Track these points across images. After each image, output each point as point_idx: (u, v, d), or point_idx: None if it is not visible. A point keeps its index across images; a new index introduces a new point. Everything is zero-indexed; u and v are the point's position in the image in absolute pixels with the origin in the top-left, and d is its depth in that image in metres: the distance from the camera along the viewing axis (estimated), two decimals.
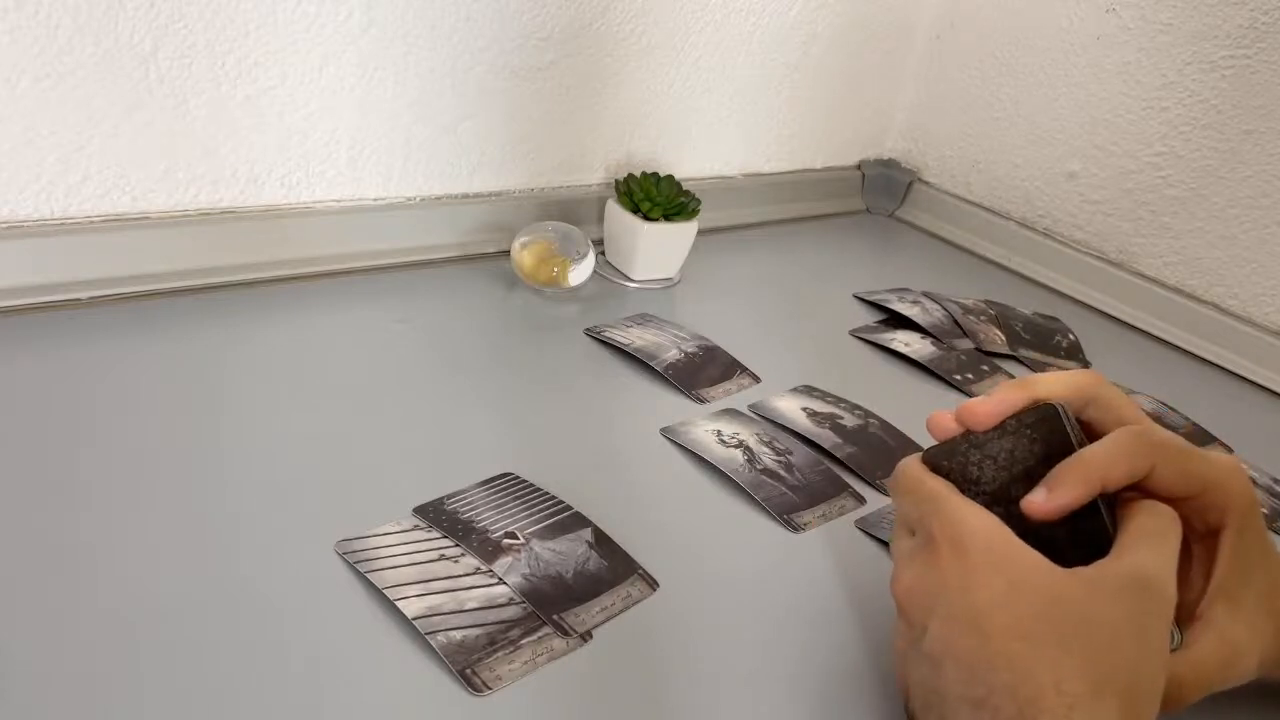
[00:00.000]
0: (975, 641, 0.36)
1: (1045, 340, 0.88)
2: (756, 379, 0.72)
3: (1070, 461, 0.41)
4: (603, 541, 0.51)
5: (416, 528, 0.49)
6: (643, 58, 0.89)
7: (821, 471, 0.61)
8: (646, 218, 0.82)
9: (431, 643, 0.43)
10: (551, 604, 0.46)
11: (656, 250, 0.84)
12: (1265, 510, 0.67)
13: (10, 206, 0.62)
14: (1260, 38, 0.87)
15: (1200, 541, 0.43)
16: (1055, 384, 0.43)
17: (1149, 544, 0.38)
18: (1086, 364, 0.86)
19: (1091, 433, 0.43)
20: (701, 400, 0.68)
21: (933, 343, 0.83)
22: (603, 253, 0.87)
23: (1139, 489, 0.42)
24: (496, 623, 0.44)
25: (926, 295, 0.91)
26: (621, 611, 0.47)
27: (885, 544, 0.56)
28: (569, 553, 0.50)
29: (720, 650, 0.46)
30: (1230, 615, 0.42)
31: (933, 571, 0.39)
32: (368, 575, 0.46)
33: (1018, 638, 0.35)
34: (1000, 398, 0.43)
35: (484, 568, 0.47)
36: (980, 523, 0.39)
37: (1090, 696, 0.34)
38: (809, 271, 0.98)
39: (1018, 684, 0.35)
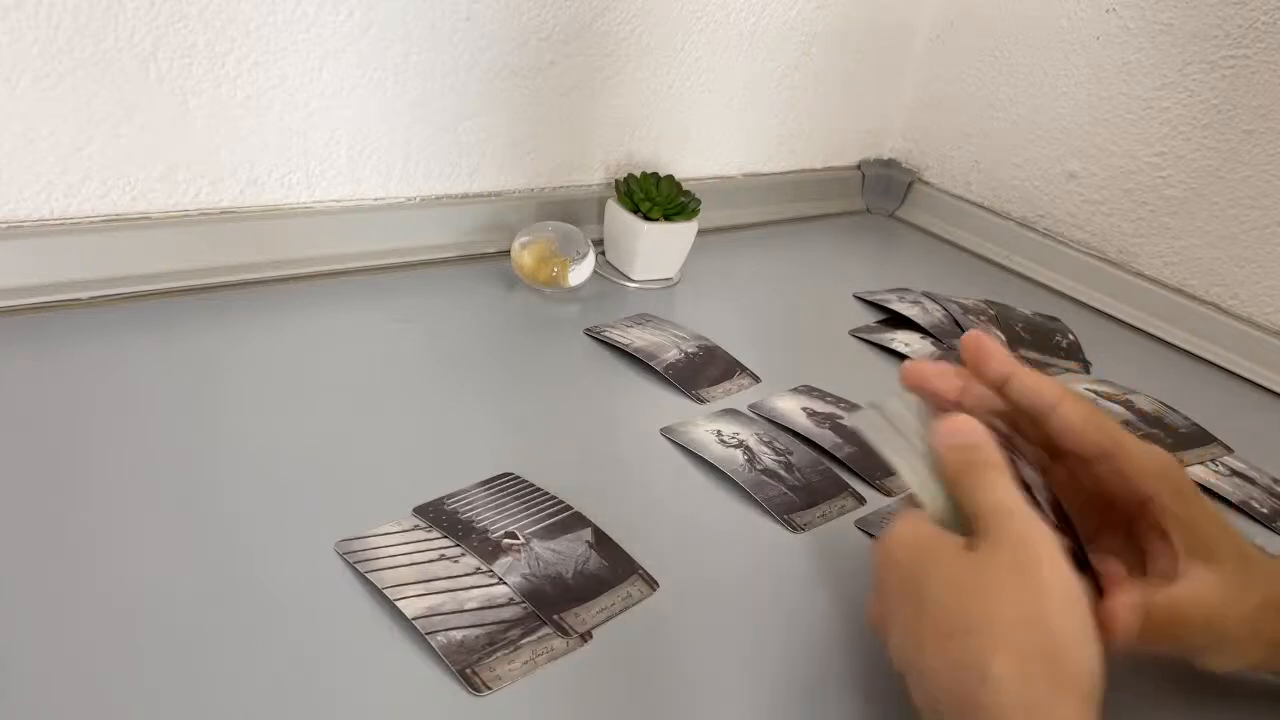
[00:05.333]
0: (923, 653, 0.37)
1: (1045, 340, 0.88)
2: (756, 379, 0.72)
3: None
4: (603, 541, 0.51)
5: (416, 528, 0.49)
6: (642, 58, 0.89)
7: (821, 471, 0.61)
8: (646, 218, 0.82)
9: (431, 643, 0.43)
10: (551, 604, 0.46)
11: (656, 250, 0.84)
12: (1265, 510, 0.67)
13: (10, 206, 0.62)
14: (1260, 38, 0.87)
15: (1138, 514, 0.43)
16: (1030, 373, 0.44)
17: (998, 517, 0.38)
18: (1087, 364, 0.86)
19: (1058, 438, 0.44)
20: (701, 400, 0.68)
21: (933, 343, 0.83)
22: (603, 253, 0.87)
23: (1050, 432, 0.44)
24: (496, 623, 0.44)
25: (926, 295, 0.91)
26: (621, 611, 0.47)
27: None
28: (569, 553, 0.50)
29: (720, 650, 0.46)
30: (1209, 573, 0.42)
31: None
32: (368, 575, 0.46)
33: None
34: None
35: (484, 568, 0.47)
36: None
37: (1020, 678, 0.33)
38: (809, 271, 0.98)
39: (954, 687, 0.35)
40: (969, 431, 0.41)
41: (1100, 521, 0.45)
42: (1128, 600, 0.40)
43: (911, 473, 0.43)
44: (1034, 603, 0.34)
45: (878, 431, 0.45)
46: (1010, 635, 0.33)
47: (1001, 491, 0.39)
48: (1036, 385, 0.43)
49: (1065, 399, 0.43)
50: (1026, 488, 0.41)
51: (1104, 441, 0.43)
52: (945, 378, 0.45)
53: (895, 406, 0.45)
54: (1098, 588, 0.42)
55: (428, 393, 0.63)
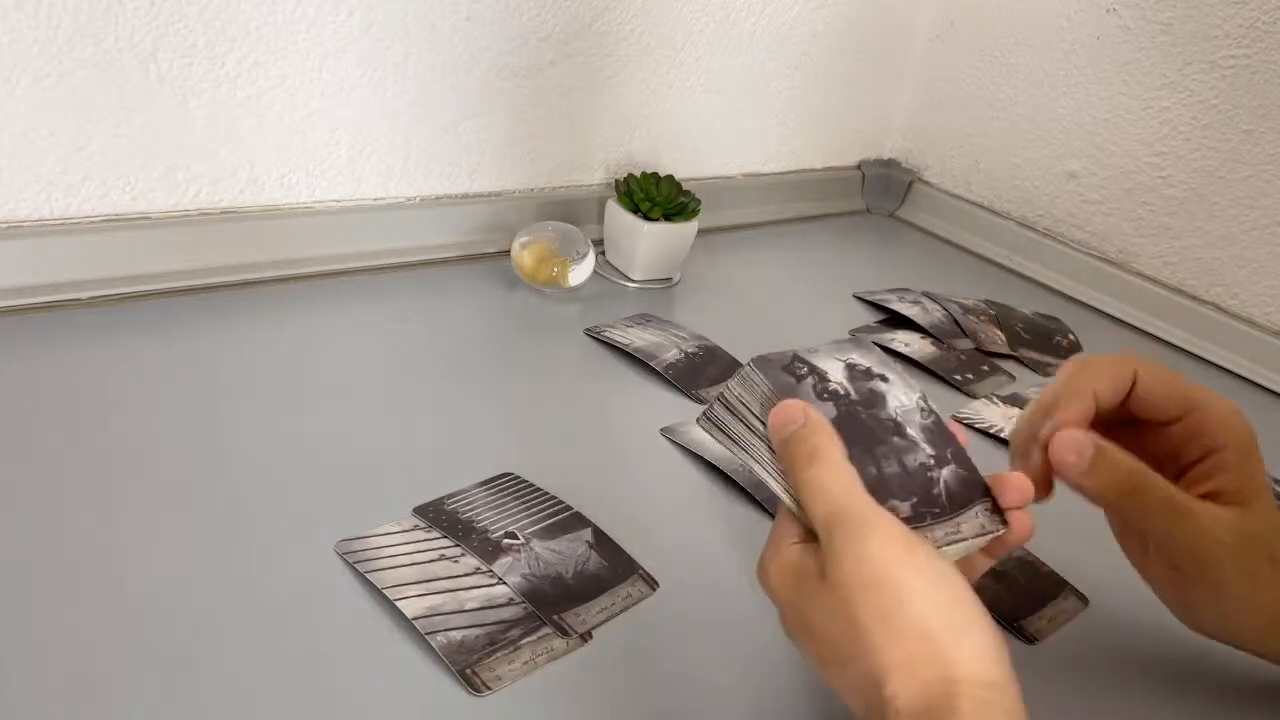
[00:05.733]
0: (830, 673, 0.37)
1: (1045, 340, 0.88)
2: None
3: (1066, 384, 0.43)
4: (603, 541, 0.51)
5: (416, 528, 0.49)
6: (642, 58, 0.89)
7: None
8: (646, 218, 0.82)
9: (431, 643, 0.43)
10: (551, 604, 0.46)
11: (656, 250, 0.84)
12: None
13: (10, 206, 0.62)
14: (1260, 38, 0.87)
15: (1200, 461, 0.43)
16: (1101, 375, 0.44)
17: (830, 535, 0.36)
18: None
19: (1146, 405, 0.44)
20: (701, 400, 0.68)
21: (933, 343, 0.83)
22: (603, 253, 0.87)
23: (1131, 407, 0.44)
24: (496, 623, 0.44)
25: (927, 295, 0.91)
26: (621, 611, 0.47)
27: None
28: (569, 553, 0.50)
29: (719, 650, 0.46)
30: (1227, 508, 0.42)
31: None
32: (368, 575, 0.46)
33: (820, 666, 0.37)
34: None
35: (484, 568, 0.47)
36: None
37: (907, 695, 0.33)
38: (809, 271, 0.98)
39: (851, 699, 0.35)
40: (789, 419, 0.38)
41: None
42: (1069, 434, 0.41)
43: (766, 474, 0.39)
44: (899, 615, 0.33)
45: (726, 431, 0.40)
46: (891, 655, 0.33)
47: (829, 494, 0.36)
48: (1113, 382, 0.43)
49: (1139, 373, 0.43)
50: (897, 428, 0.40)
51: (1183, 402, 0.43)
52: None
53: (736, 392, 0.40)
54: (998, 510, 0.40)
55: (427, 393, 0.63)
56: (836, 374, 0.41)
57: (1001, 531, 0.40)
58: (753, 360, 0.40)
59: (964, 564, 0.40)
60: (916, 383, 0.42)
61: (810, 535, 0.38)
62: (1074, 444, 0.41)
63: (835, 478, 0.36)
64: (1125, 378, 0.43)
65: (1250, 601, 0.43)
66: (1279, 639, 0.44)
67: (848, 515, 0.35)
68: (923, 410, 0.41)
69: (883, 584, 0.34)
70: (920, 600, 0.33)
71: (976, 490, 0.40)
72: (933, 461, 0.40)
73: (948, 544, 0.38)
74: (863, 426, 0.39)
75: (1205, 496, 0.42)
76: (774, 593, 0.38)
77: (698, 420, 0.41)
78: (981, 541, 0.39)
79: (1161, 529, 0.43)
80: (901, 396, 0.41)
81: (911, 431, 0.40)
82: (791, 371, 0.40)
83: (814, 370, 0.40)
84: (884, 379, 0.42)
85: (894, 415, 0.40)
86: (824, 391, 0.40)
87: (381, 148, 0.76)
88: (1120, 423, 0.45)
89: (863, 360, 0.42)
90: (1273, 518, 0.43)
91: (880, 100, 1.16)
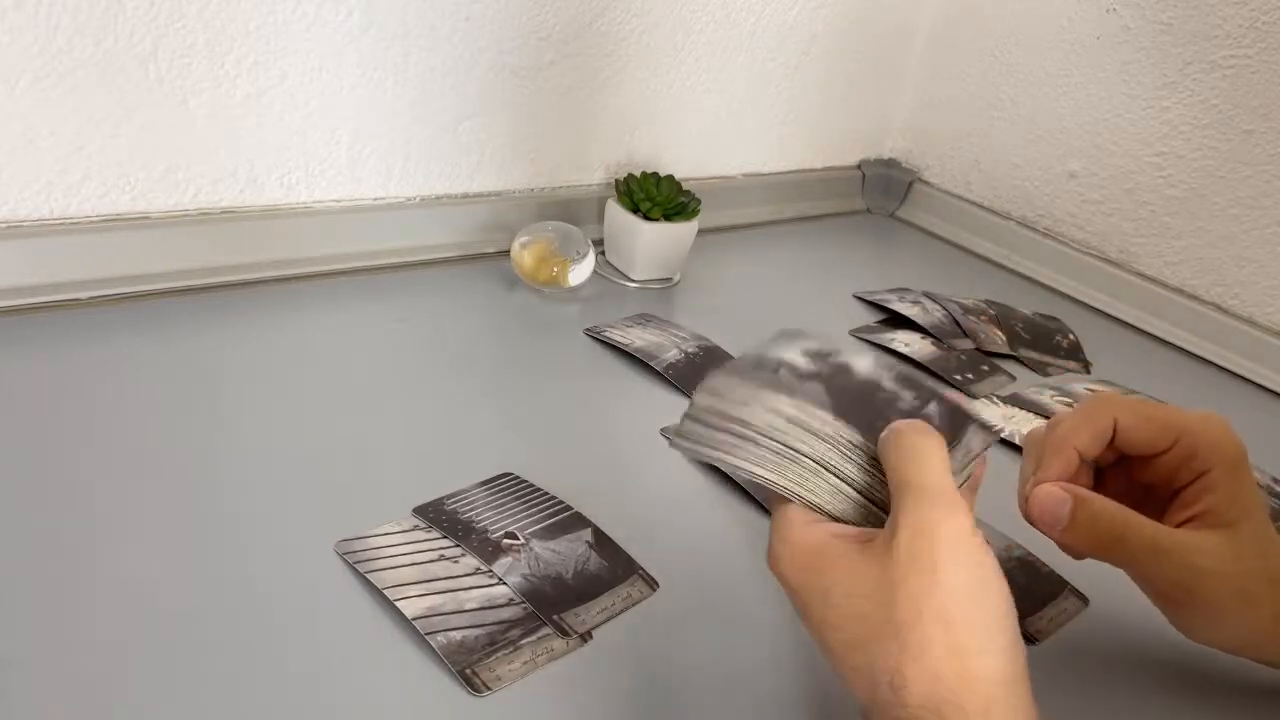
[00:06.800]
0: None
1: (1045, 340, 0.88)
2: None
3: (1045, 441, 0.44)
4: (603, 541, 0.51)
5: (416, 528, 0.49)
6: (643, 58, 0.89)
7: None
8: (646, 218, 0.82)
9: (431, 643, 0.42)
10: (551, 604, 0.46)
11: (656, 250, 0.84)
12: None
13: (10, 206, 0.62)
14: (1260, 38, 0.87)
15: (1191, 484, 0.43)
16: (1078, 429, 0.44)
17: (910, 502, 0.36)
18: (1087, 364, 0.86)
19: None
20: None
21: (933, 343, 0.83)
22: (603, 253, 0.87)
23: (1120, 447, 0.44)
24: (496, 623, 0.44)
25: (927, 295, 0.91)
26: (621, 611, 0.47)
27: None
28: (569, 553, 0.50)
29: (720, 650, 0.46)
30: (1212, 534, 0.42)
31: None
32: (368, 575, 0.46)
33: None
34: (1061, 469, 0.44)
35: (484, 568, 0.47)
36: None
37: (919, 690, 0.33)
38: (809, 271, 0.98)
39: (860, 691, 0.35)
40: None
41: (1140, 500, 0.45)
42: (1047, 491, 0.42)
43: (760, 469, 0.39)
44: (930, 598, 0.33)
45: (703, 442, 0.41)
46: (912, 637, 0.32)
47: (928, 467, 0.36)
48: (1092, 433, 0.44)
49: (1118, 419, 0.44)
50: (876, 385, 0.41)
51: (1170, 432, 0.43)
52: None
53: (706, 403, 0.41)
54: (985, 425, 0.42)
55: (427, 393, 0.63)
56: (802, 361, 0.42)
57: (999, 436, 0.43)
58: (719, 370, 0.41)
59: None
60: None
61: (835, 520, 0.38)
62: (1051, 499, 0.42)
63: (941, 459, 0.36)
64: (1104, 426, 0.44)
65: (1251, 621, 0.43)
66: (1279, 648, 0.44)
67: (929, 489, 0.35)
68: (883, 365, 0.43)
69: (922, 559, 0.33)
70: (948, 585, 0.33)
71: (962, 414, 0.41)
72: (919, 403, 0.41)
73: (969, 462, 0.40)
74: (850, 392, 0.40)
75: (1195, 518, 0.43)
76: (789, 577, 0.38)
77: (670, 443, 0.41)
78: (985, 451, 0.41)
79: (1152, 573, 0.43)
80: (861, 361, 0.43)
81: (888, 384, 0.41)
82: (764, 367, 0.41)
83: (783, 363, 0.41)
84: (838, 352, 0.43)
85: (866, 375, 0.42)
86: (801, 375, 0.41)
87: (381, 148, 0.76)
88: (1113, 460, 0.46)
89: (812, 344, 0.43)
90: (1263, 535, 0.43)
91: (880, 100, 1.16)
